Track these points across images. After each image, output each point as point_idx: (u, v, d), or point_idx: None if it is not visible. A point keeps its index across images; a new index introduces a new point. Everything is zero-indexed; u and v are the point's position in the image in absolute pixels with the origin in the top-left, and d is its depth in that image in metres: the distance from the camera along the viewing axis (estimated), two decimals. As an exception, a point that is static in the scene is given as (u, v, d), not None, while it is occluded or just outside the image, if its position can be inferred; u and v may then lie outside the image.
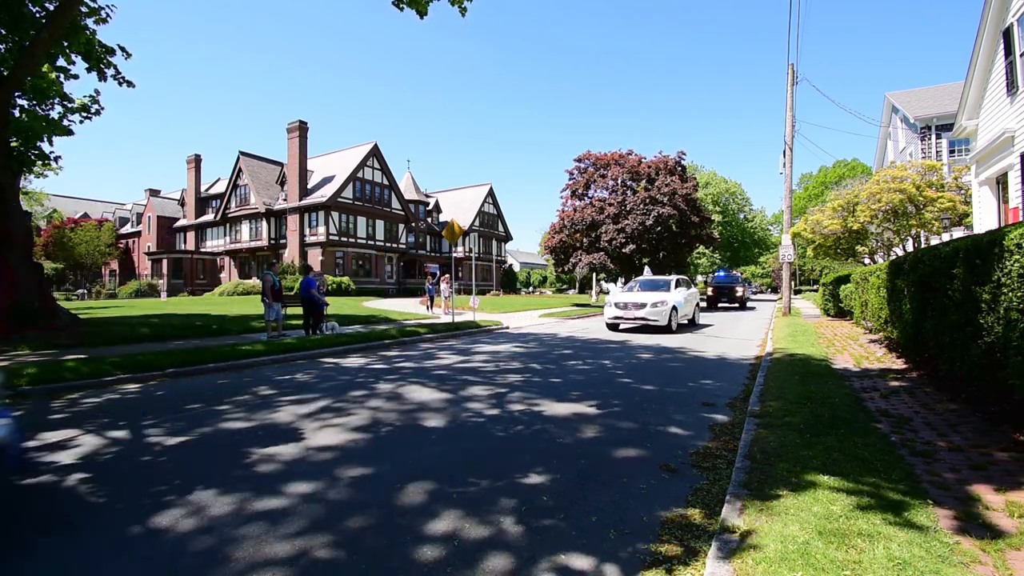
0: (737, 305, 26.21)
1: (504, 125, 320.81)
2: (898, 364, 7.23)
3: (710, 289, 27.46)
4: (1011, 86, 10.49)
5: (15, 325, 9.95)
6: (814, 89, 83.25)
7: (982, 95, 12.25)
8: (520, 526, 2.74)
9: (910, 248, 15.50)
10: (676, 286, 14.60)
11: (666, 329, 13.19)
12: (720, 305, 26.29)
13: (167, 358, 7.83)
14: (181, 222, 46.59)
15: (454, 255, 22.49)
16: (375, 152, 39.10)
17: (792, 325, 13.90)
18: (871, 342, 9.76)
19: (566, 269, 32.91)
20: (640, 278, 16.88)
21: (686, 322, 14.94)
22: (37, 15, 10.65)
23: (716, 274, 31.57)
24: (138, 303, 28.81)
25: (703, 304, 20.65)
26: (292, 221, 36.83)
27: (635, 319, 13.27)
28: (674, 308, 13.25)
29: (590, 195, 32.80)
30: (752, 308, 26.95)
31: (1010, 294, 3.56)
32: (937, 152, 20.97)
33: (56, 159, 11.96)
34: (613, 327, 14.34)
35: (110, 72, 12.04)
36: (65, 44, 10.86)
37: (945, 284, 4.86)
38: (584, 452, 3.95)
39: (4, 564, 2.39)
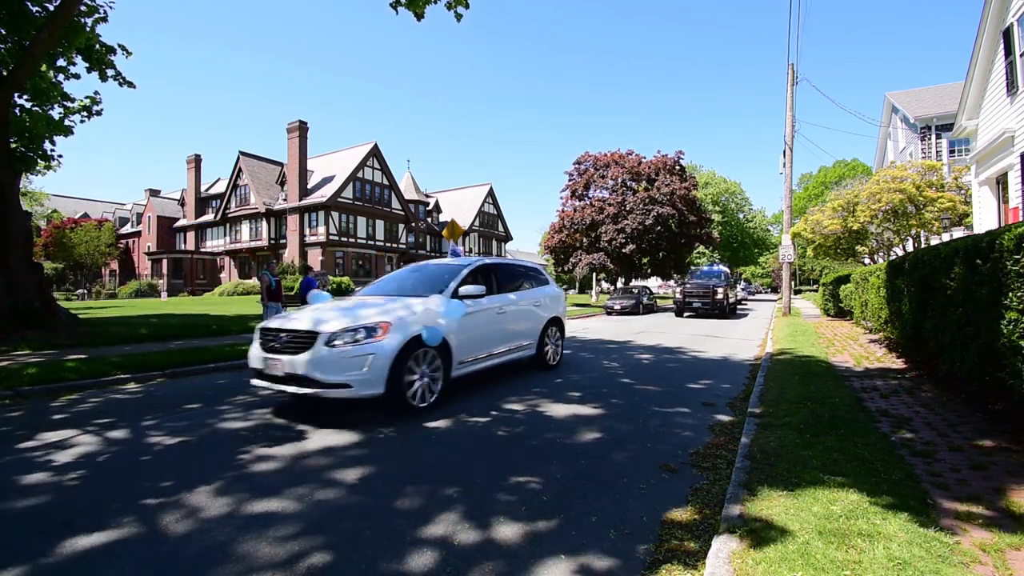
0: (717, 313, 18.94)
1: (504, 125, 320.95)
2: (898, 364, 7.23)
3: (678, 291, 20.33)
4: (1011, 86, 10.49)
5: (15, 325, 9.94)
6: (814, 89, 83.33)
7: (982, 95, 12.25)
8: (520, 526, 2.74)
9: (910, 248, 15.50)
10: (464, 284, 6.10)
11: (389, 399, 4.89)
12: (699, 312, 19.40)
13: (167, 358, 7.84)
14: (181, 222, 46.57)
15: (454, 255, 22.47)
16: (375, 152, 39.09)
17: (792, 325, 13.91)
18: (871, 342, 9.75)
19: (566, 269, 32.94)
20: (409, 266, 7.47)
21: (506, 360, 6.75)
22: (37, 15, 10.65)
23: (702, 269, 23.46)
24: (138, 303, 28.82)
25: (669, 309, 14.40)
26: (292, 221, 36.82)
27: (285, 377, 4.89)
28: (416, 343, 5.06)
29: (590, 195, 32.84)
30: (744, 315, 21.39)
31: (1010, 294, 3.56)
32: (937, 152, 20.97)
33: (58, 158, 11.97)
34: (267, 379, 5.13)
35: (111, 72, 12.02)
36: (65, 44, 10.85)
37: (945, 284, 4.86)
38: (584, 452, 3.96)
39: (4, 563, 2.39)
